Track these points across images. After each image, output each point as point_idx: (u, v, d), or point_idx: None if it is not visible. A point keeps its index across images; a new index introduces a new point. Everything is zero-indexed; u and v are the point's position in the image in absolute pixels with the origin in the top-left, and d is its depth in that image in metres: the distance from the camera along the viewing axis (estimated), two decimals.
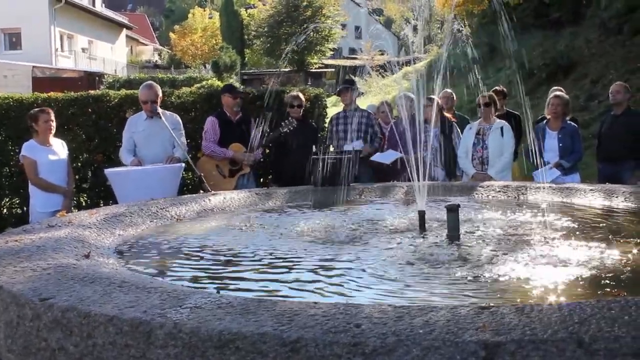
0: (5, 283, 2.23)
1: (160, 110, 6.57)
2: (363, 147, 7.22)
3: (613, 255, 2.95)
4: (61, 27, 35.57)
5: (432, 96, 5.54)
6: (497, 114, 7.18)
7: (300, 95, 7.63)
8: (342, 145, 7.30)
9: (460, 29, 4.59)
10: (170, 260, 3.24)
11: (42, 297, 2.04)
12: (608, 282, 2.53)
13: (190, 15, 53.62)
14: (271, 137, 7.15)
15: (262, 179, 8.07)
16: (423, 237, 3.62)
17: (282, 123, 7.08)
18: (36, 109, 6.66)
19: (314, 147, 7.21)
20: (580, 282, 2.53)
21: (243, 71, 44.04)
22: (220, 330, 1.67)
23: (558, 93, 7.22)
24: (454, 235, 3.53)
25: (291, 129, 7.03)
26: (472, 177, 6.82)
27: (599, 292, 2.40)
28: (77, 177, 7.98)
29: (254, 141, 7.10)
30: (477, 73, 5.49)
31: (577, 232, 3.61)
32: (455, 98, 8.40)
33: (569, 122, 7.08)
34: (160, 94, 6.75)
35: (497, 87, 8.15)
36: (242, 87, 8.55)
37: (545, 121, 7.15)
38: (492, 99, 7.06)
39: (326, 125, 8.37)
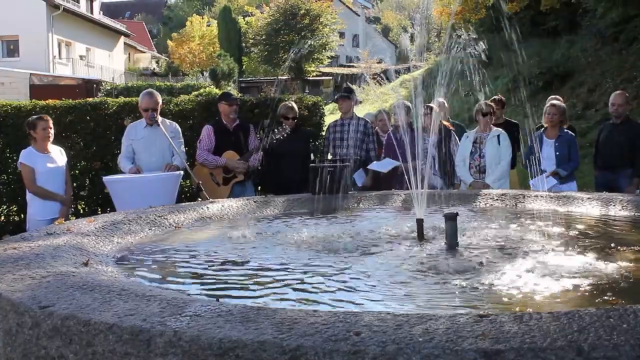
0: (4, 291, 2.22)
1: (160, 118, 6.58)
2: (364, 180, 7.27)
3: (611, 264, 2.96)
4: (59, 35, 35.58)
5: (431, 104, 5.56)
6: (495, 122, 7.20)
7: (294, 106, 7.60)
8: (339, 153, 7.31)
9: (463, 34, 4.59)
10: (169, 268, 3.24)
11: (42, 305, 2.04)
12: (606, 290, 2.53)
13: (188, 23, 53.73)
14: (263, 144, 7.14)
15: (259, 187, 8.07)
16: (421, 246, 3.62)
17: (275, 130, 7.08)
18: (34, 116, 6.64)
19: (312, 155, 7.21)
20: (579, 291, 2.54)
21: (241, 79, 44.13)
22: (220, 338, 1.67)
23: (555, 102, 7.24)
24: (452, 244, 3.53)
25: (284, 135, 7.03)
26: (470, 185, 6.84)
27: (597, 301, 2.40)
28: (75, 184, 7.97)
29: (252, 148, 7.11)
30: (474, 81, 5.51)
31: (575, 241, 3.62)
32: (447, 106, 8.38)
33: (565, 130, 7.11)
34: (161, 102, 6.78)
35: (495, 97, 8.16)
36: (240, 94, 8.56)
37: (542, 129, 7.17)
38: (491, 108, 7.08)
39: (323, 133, 8.39)
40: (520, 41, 19.54)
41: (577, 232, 3.93)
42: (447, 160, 6.98)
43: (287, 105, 7.52)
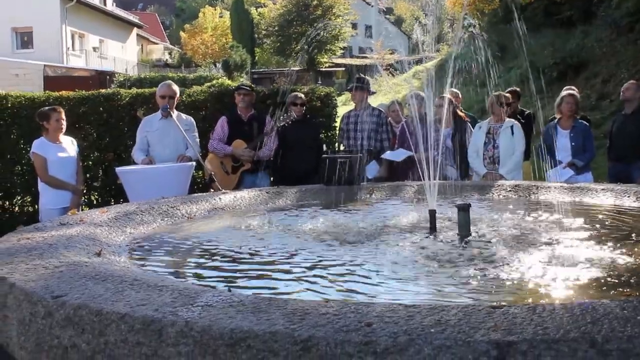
0: (18, 280, 2.24)
1: (175, 112, 6.63)
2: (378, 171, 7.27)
3: (625, 256, 2.93)
4: (72, 26, 35.70)
5: (445, 95, 5.52)
6: (511, 113, 7.15)
7: (302, 95, 7.66)
8: (352, 144, 7.30)
9: (473, 26, 4.56)
10: (182, 258, 3.24)
11: (55, 294, 2.05)
12: (620, 282, 2.51)
13: (200, 14, 53.71)
14: (268, 129, 7.17)
15: (271, 178, 8.09)
16: (434, 237, 3.60)
17: (281, 117, 7.11)
18: (47, 107, 6.69)
19: (324, 146, 7.21)
20: (592, 282, 2.52)
21: (253, 70, 44.13)
22: (232, 328, 1.67)
23: (572, 92, 7.18)
24: (464, 235, 3.52)
25: (289, 122, 7.06)
26: (483, 176, 6.80)
27: (611, 292, 2.38)
28: (87, 175, 8.01)
29: (260, 138, 7.14)
30: (488, 72, 5.47)
31: (589, 232, 3.59)
32: (461, 96, 8.33)
33: (579, 120, 7.05)
34: (178, 94, 6.88)
35: (510, 89, 8.11)
36: (252, 85, 8.59)
37: (556, 120, 7.11)
38: (508, 99, 7.04)
39: (337, 124, 8.37)
40: (533, 31, 19.41)
41: (591, 223, 3.89)
42: (462, 151, 6.95)
43: (295, 94, 7.60)
